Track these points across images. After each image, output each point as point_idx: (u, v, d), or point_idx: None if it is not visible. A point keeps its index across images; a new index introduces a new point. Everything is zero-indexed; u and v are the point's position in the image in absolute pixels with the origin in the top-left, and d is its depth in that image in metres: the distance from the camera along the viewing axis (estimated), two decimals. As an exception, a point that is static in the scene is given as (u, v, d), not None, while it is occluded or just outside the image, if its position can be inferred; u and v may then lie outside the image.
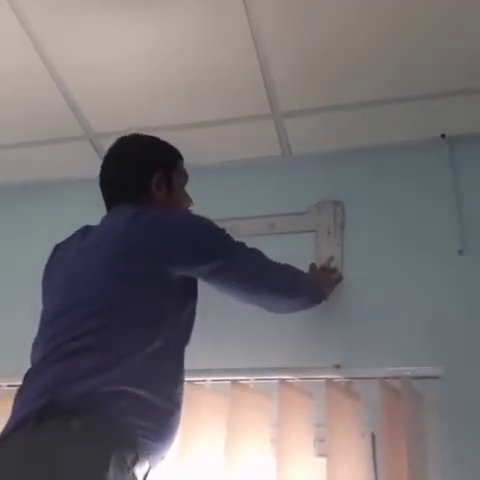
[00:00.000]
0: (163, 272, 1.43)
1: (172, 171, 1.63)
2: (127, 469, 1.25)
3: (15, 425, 1.28)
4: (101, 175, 1.63)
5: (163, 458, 1.40)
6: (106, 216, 1.58)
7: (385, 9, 1.71)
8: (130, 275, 1.40)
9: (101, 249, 1.45)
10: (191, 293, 1.54)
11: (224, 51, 1.88)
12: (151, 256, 1.42)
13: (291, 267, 1.72)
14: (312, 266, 1.94)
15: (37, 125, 2.18)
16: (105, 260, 1.42)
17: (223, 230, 1.55)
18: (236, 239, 1.58)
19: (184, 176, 1.68)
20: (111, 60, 1.92)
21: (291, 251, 2.02)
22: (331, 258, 1.99)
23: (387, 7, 1.71)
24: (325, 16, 1.75)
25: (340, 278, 1.97)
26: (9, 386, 1.90)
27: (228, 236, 1.55)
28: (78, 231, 1.61)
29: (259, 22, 1.78)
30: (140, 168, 1.59)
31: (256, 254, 1.61)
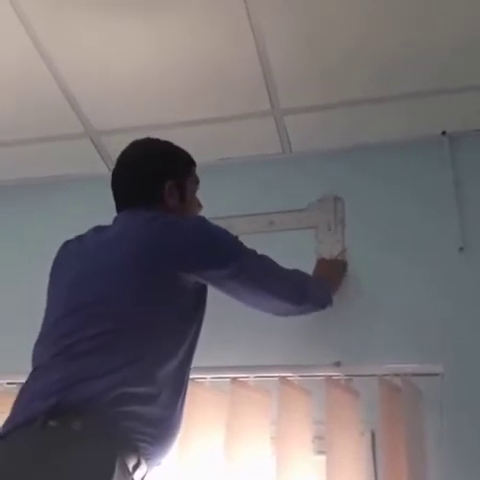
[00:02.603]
0: (177, 277, 1.44)
1: (185, 178, 1.64)
2: (129, 473, 1.25)
3: (21, 422, 1.27)
4: (114, 179, 1.63)
5: (159, 464, 1.40)
6: (119, 217, 1.59)
7: (385, 3, 1.71)
8: (145, 279, 1.41)
9: (118, 250, 1.45)
10: (202, 300, 1.55)
11: (224, 48, 1.87)
12: (165, 261, 1.42)
13: (300, 273, 1.72)
14: (320, 261, 1.96)
15: (36, 122, 2.18)
16: (122, 261, 1.42)
17: (235, 237, 1.57)
18: (235, 236, 1.58)
19: (196, 182, 1.69)
20: (112, 58, 1.92)
21: (291, 248, 2.02)
22: (344, 250, 2.01)
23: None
24: (324, 12, 1.75)
25: (346, 267, 1.98)
26: (9, 384, 1.90)
27: (239, 243, 1.56)
28: (90, 230, 1.61)
29: (259, 19, 1.77)
30: (153, 177, 1.59)
31: (266, 261, 1.61)
